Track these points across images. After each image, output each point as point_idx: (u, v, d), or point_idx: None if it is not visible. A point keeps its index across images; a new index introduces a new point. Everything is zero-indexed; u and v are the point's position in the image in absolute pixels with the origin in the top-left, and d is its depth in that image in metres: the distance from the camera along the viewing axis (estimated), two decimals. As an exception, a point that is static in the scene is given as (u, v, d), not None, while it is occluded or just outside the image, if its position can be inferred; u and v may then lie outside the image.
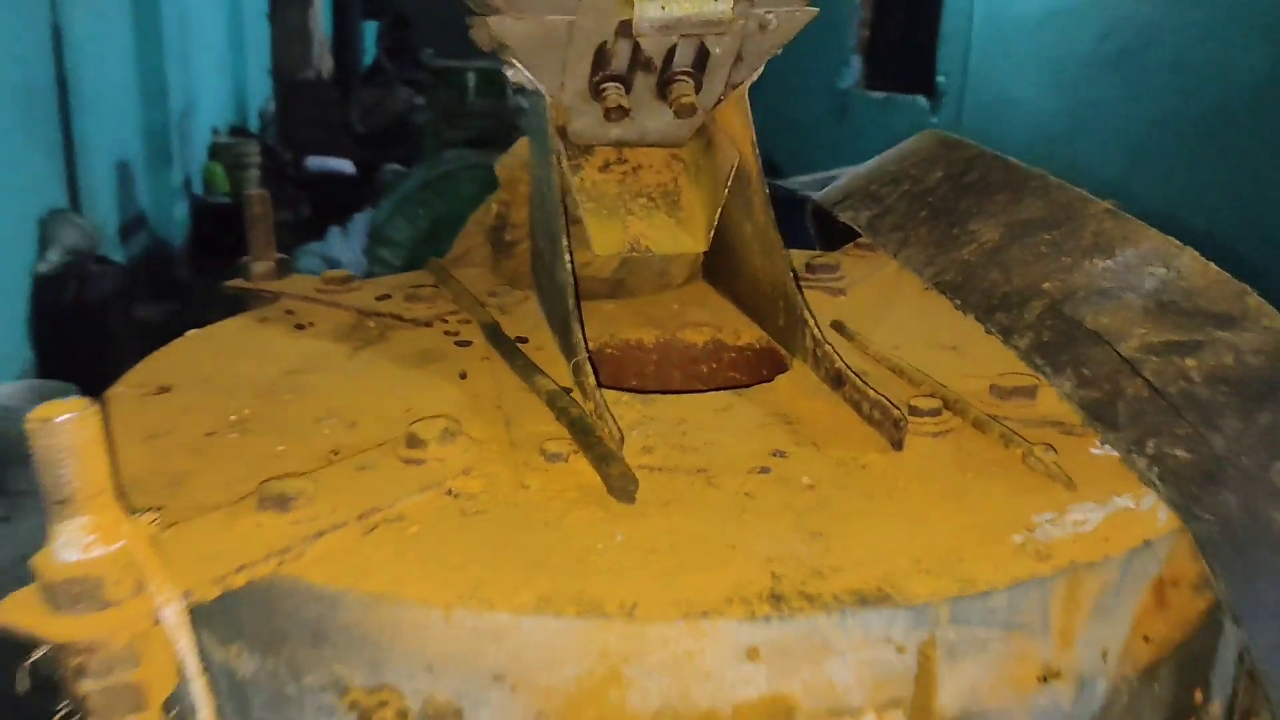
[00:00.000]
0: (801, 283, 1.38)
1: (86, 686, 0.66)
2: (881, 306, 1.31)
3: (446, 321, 1.28)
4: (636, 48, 1.10)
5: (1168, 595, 0.79)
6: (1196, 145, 5.33)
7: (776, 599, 0.70)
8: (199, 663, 0.68)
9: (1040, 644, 0.75)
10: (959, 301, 1.04)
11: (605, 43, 1.09)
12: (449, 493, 0.84)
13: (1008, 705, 0.75)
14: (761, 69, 1.20)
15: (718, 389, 1.08)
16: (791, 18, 1.12)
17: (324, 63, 10.36)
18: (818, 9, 1.13)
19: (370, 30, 9.85)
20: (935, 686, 0.72)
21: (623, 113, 1.12)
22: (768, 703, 0.70)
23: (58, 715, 0.69)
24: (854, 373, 0.99)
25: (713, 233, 1.19)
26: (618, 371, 1.24)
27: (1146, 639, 0.79)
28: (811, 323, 1.07)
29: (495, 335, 1.20)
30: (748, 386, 1.08)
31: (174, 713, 0.71)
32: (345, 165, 8.54)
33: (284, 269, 1.45)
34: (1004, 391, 0.98)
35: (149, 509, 0.74)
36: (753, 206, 1.18)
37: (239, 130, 12.08)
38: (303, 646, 0.75)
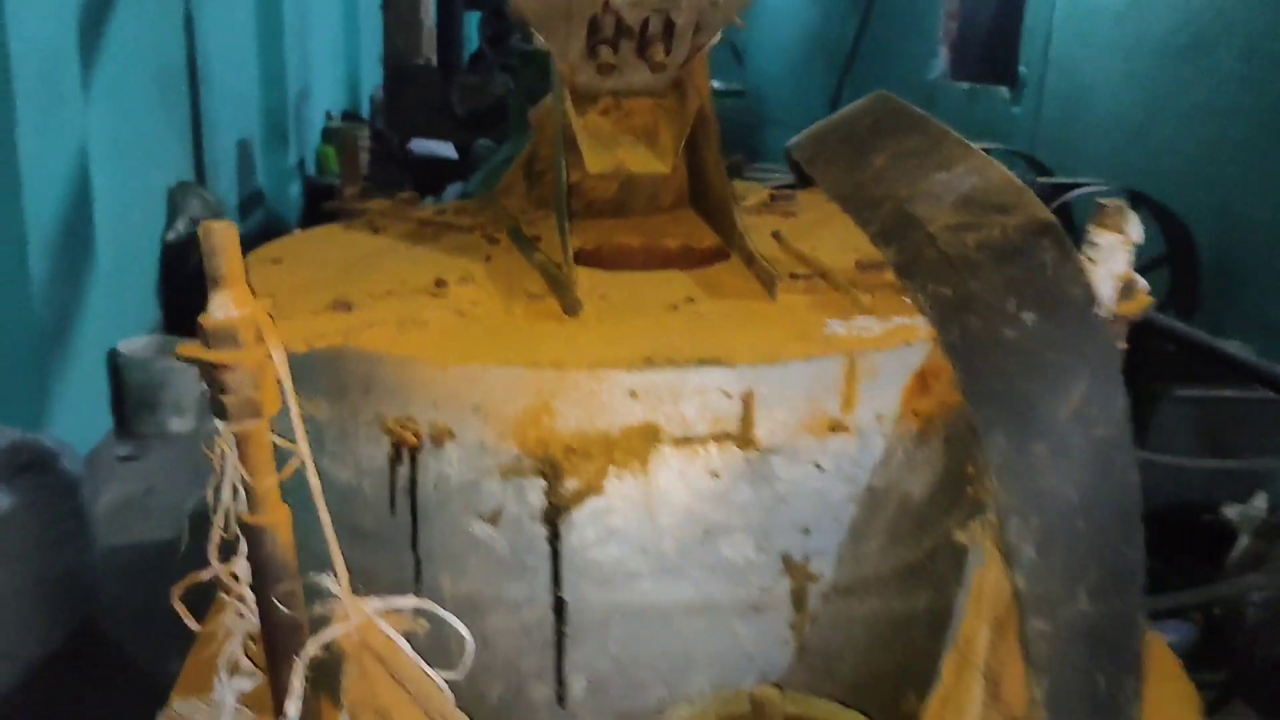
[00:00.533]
0: (766, 208, 1.79)
1: (226, 398, 1.10)
2: (817, 225, 1.70)
3: (485, 229, 1.71)
4: (620, 20, 1.51)
5: (930, 383, 1.17)
6: (1264, 135, 5.44)
7: (649, 360, 1.10)
8: (293, 393, 1.11)
9: (829, 404, 1.14)
10: (845, 208, 1.43)
11: (595, 16, 1.50)
12: (459, 313, 1.27)
13: (808, 445, 1.15)
14: (719, 35, 1.60)
15: (674, 272, 1.49)
16: (734, -2, 1.52)
17: (431, 51, 10.95)
18: (753, -8, 1.53)
19: (473, 20, 10.38)
20: (753, 425, 1.12)
21: (610, 68, 1.53)
22: (643, 428, 1.11)
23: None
24: (759, 255, 1.39)
25: (675, 158, 1.60)
26: (610, 264, 1.65)
27: (915, 413, 1.18)
28: (740, 223, 1.47)
29: (517, 235, 1.62)
30: (696, 271, 1.49)
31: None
32: (447, 149, 9.08)
33: (367, 194, 1.90)
34: (865, 266, 1.37)
35: (266, 298, 1.18)
36: (710, 142, 1.59)
37: (351, 115, 12.75)
38: (357, 394, 1.18)
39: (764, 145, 13.00)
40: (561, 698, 1.22)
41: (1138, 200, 5.51)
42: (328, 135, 11.55)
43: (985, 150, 5.20)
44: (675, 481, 1.13)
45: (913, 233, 1.27)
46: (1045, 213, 1.23)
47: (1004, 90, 8.23)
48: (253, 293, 1.11)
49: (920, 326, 1.19)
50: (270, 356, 1.10)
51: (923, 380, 1.18)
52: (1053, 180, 6.06)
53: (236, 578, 1.24)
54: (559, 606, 1.18)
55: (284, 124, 9.67)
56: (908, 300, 1.23)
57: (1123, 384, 1.14)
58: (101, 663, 3.59)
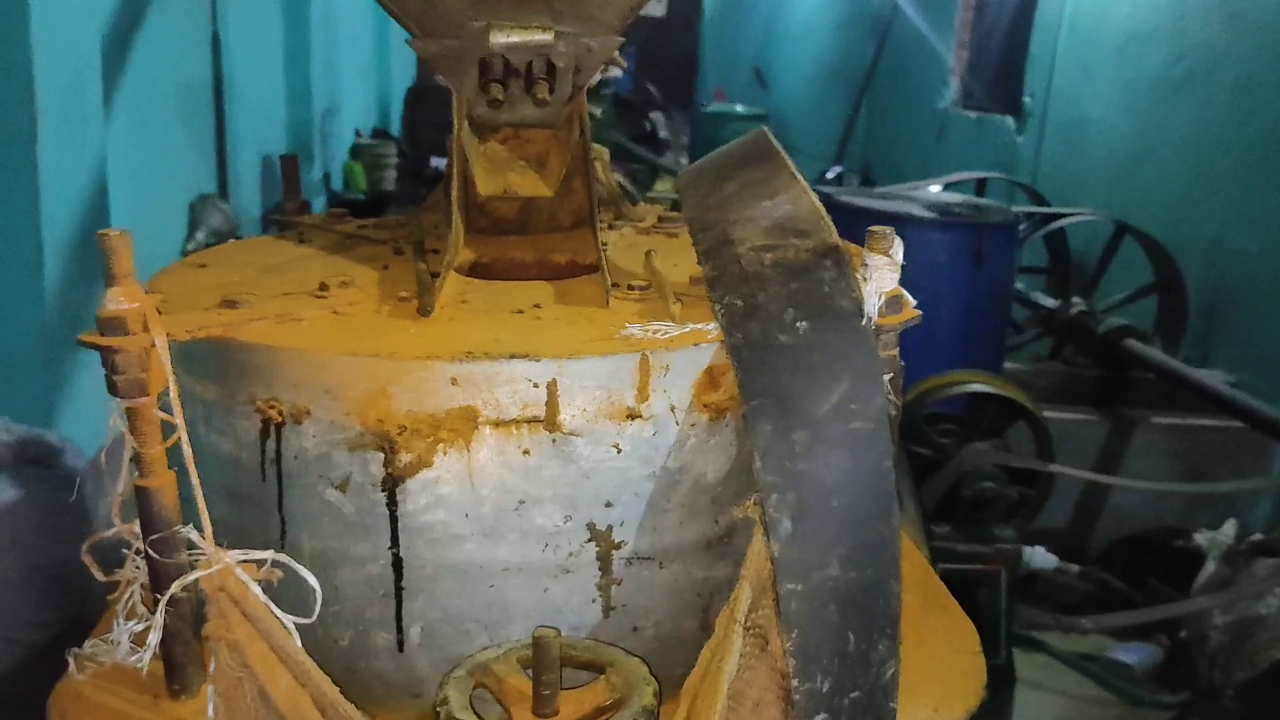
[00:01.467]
0: (655, 229, 1.99)
1: (116, 378, 1.31)
2: (689, 246, 1.89)
3: (396, 242, 1.92)
4: (507, 62, 1.72)
5: (719, 379, 1.37)
6: (1254, 168, 5.54)
7: (469, 353, 1.31)
8: (174, 375, 1.32)
9: (625, 395, 1.34)
10: (689, 229, 1.63)
11: (486, 58, 1.71)
12: (334, 312, 1.48)
13: (607, 429, 1.34)
14: (597, 73, 1.80)
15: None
16: (608, 43, 1.73)
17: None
18: (624, 38, 1.74)
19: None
20: (558, 411, 1.32)
21: (499, 103, 1.74)
22: (463, 410, 1.32)
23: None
24: (605, 268, 1.59)
25: (560, 183, 1.80)
26: (502, 275, 1.86)
27: (706, 405, 1.37)
28: (597, 242, 1.68)
29: (418, 248, 1.83)
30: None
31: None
32: (466, 166, 9.35)
33: (304, 209, 2.12)
34: (695, 280, 1.56)
35: (157, 294, 1.39)
36: (587, 169, 1.80)
37: (380, 132, 13.07)
38: (235, 378, 1.39)
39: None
40: (401, 644, 1.42)
41: (1126, 230, 5.66)
42: (356, 152, 11.86)
43: (985, 179, 5.41)
44: (493, 457, 1.34)
45: (726, 251, 1.47)
46: (834, 238, 1.42)
47: (1010, 120, 8.37)
48: (145, 290, 1.33)
49: (712, 331, 1.38)
50: (154, 343, 1.32)
51: (712, 377, 1.37)
52: (1046, 210, 6.21)
53: (137, 535, 1.45)
54: (397, 564, 1.38)
55: (309, 140, 9.96)
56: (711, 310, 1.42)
57: (883, 385, 1.33)
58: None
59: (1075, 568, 4.60)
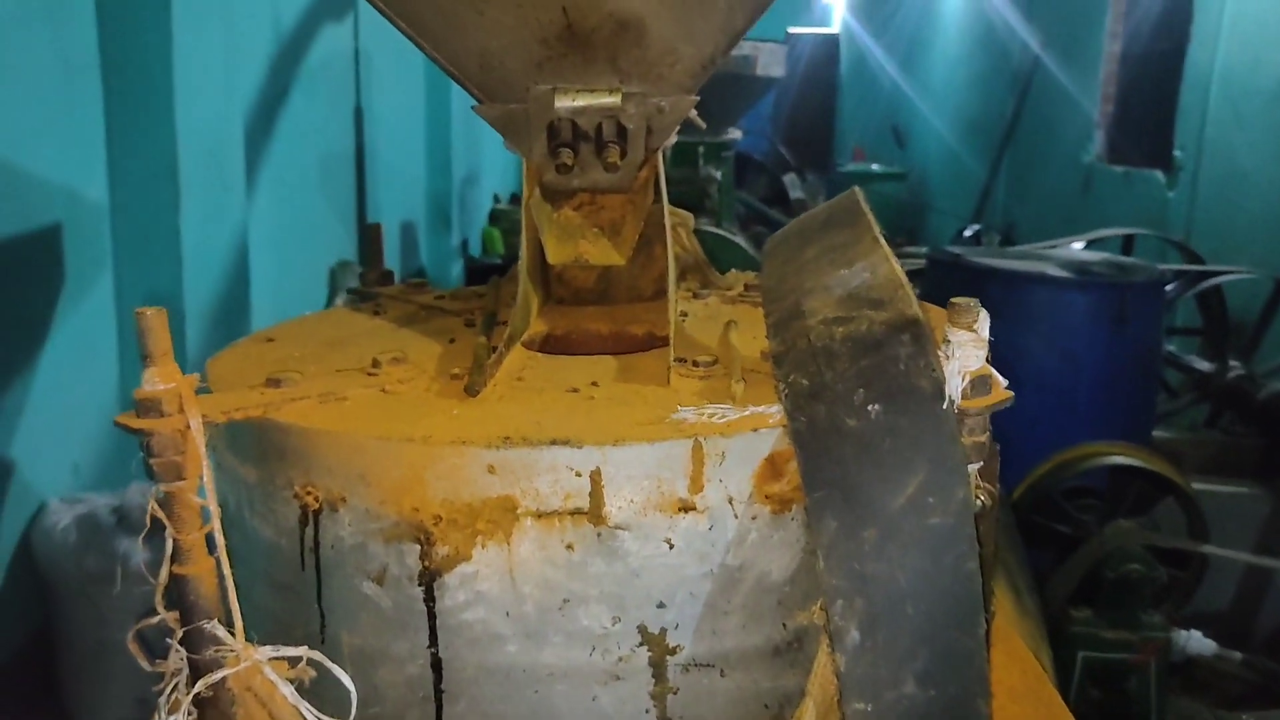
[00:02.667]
0: (741, 298, 1.88)
1: (153, 460, 1.26)
2: (777, 313, 1.77)
3: (470, 313, 1.86)
4: (575, 125, 1.64)
5: (782, 468, 1.24)
6: None
7: (506, 438, 1.21)
8: (209, 458, 1.27)
9: (677, 485, 1.22)
10: (762, 299, 1.51)
11: (553, 122, 1.64)
12: (382, 390, 1.41)
13: (658, 522, 1.22)
14: (673, 135, 1.71)
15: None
16: (680, 103, 1.63)
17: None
18: (699, 97, 1.64)
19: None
20: (604, 502, 1.21)
21: (568, 169, 1.66)
22: (501, 500, 1.22)
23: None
24: (671, 342, 1.48)
25: (632, 250, 1.71)
26: (576, 348, 1.77)
27: (767, 496, 1.24)
28: (672, 315, 1.57)
29: (488, 319, 1.76)
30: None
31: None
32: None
33: (387, 279, 2.08)
34: (767, 355, 1.44)
35: (195, 374, 1.35)
36: (661, 235, 1.70)
37: (518, 197, 13.33)
38: (275, 461, 1.33)
39: (924, 226, 12.93)
40: (442, 750, 1.32)
41: (1285, 287, 5.28)
42: (494, 217, 12.12)
43: (1133, 236, 5.16)
44: (534, 551, 1.23)
45: (796, 324, 1.35)
46: (913, 309, 1.28)
47: (1159, 174, 8.01)
48: (205, 376, 1.29)
49: (775, 415, 1.25)
50: (189, 424, 1.26)
51: (774, 465, 1.24)
52: (1197, 268, 5.86)
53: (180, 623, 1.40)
54: (436, 664, 1.29)
55: (448, 207, 10.20)
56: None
57: (964, 475, 1.18)
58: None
59: (1237, 655, 4.22)
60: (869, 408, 1.20)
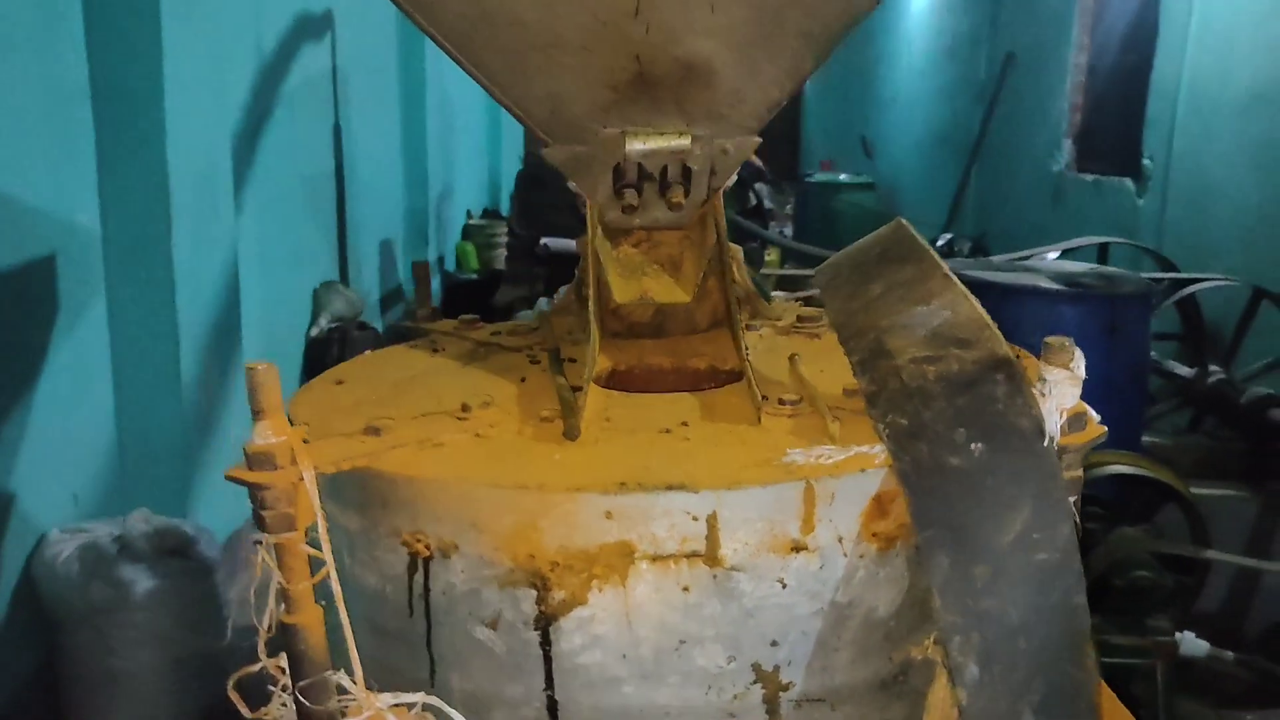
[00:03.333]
0: (795, 329, 1.91)
1: (265, 513, 1.28)
2: (835, 348, 1.81)
3: (531, 350, 1.88)
4: (641, 166, 1.68)
5: (887, 506, 1.27)
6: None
7: (623, 484, 1.24)
8: (322, 509, 1.29)
9: (789, 526, 1.25)
10: (838, 335, 1.55)
11: (619, 164, 1.67)
12: (476, 435, 1.43)
13: (771, 563, 1.26)
14: (735, 176, 1.75)
15: (692, 394, 1.63)
16: (744, 144, 1.67)
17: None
18: (761, 139, 1.68)
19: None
20: (719, 545, 1.24)
21: (633, 209, 1.70)
22: (618, 546, 1.25)
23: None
24: (752, 380, 1.52)
25: (697, 287, 1.74)
26: (641, 384, 1.80)
27: (874, 534, 1.28)
28: (745, 349, 1.61)
29: (554, 357, 1.79)
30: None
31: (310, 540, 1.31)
32: (574, 245, 9.45)
33: (435, 315, 2.10)
34: (850, 392, 1.48)
35: (303, 424, 1.36)
36: (726, 271, 1.73)
37: (491, 212, 13.34)
38: (379, 509, 1.35)
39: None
40: (556, 790, 1.34)
41: (1264, 295, 5.40)
42: (468, 232, 12.11)
43: (1108, 244, 5.21)
44: (651, 595, 1.26)
45: (883, 363, 1.39)
46: (1003, 348, 1.33)
47: (1129, 183, 8.14)
48: (291, 421, 1.30)
49: (878, 454, 1.29)
50: (302, 477, 1.28)
51: (881, 504, 1.28)
52: (1177, 275, 5.97)
53: (283, 670, 1.41)
54: (552, 706, 1.31)
55: (425, 224, 10.19)
56: (874, 428, 1.34)
57: (1069, 512, 1.22)
58: (233, 742, 3.82)
59: (1231, 655, 4.31)
60: (971, 446, 1.24)
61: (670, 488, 1.24)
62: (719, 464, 1.30)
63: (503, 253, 11.82)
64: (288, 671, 1.41)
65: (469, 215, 12.57)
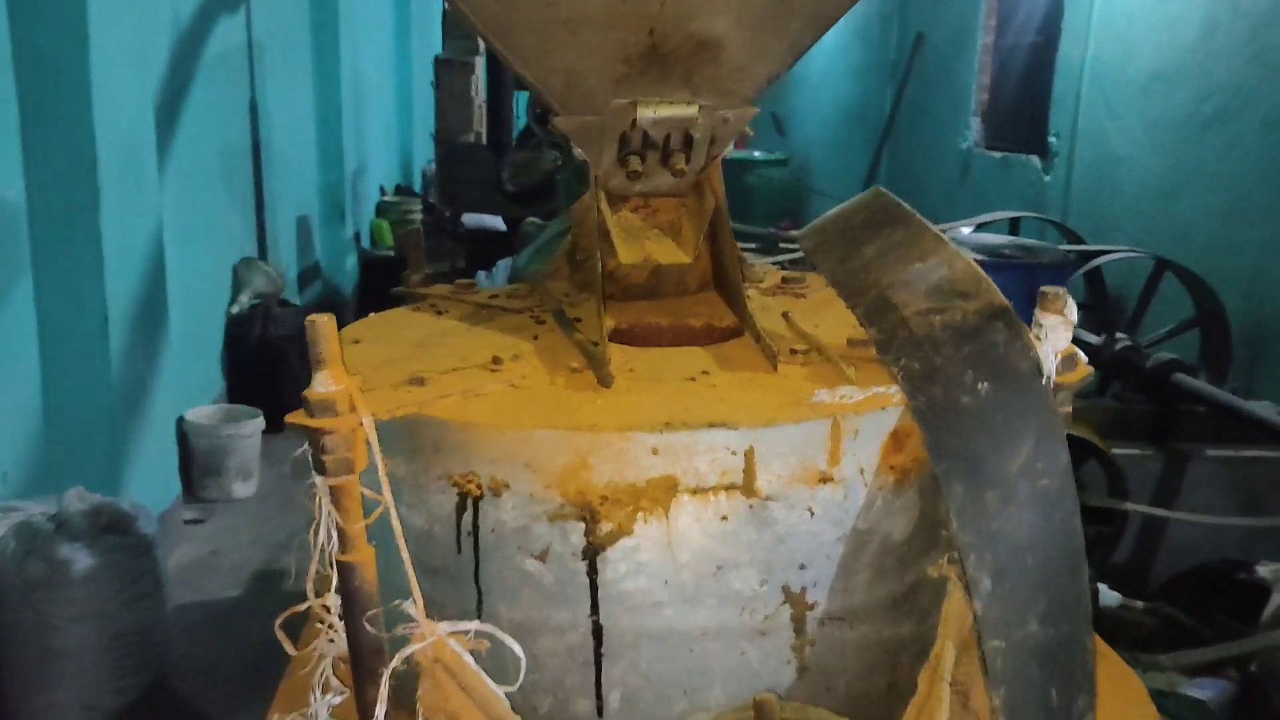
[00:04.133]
0: (779, 289, 2.04)
1: (325, 457, 1.36)
2: (821, 306, 1.95)
3: (533, 311, 1.97)
4: (646, 134, 1.78)
5: (903, 441, 1.41)
6: (1287, 200, 5.60)
7: (668, 423, 1.35)
8: (382, 450, 1.37)
9: (818, 459, 1.38)
10: (839, 292, 1.67)
11: (625, 132, 1.77)
12: (512, 385, 1.53)
13: (801, 493, 1.38)
14: (731, 146, 1.86)
15: (695, 348, 1.74)
16: (743, 114, 1.79)
17: (481, 127, 11.37)
18: (758, 109, 1.79)
19: (522, 99, 10.82)
20: (755, 477, 1.36)
21: (637, 175, 1.80)
22: (663, 480, 1.36)
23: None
24: (764, 333, 1.64)
25: (696, 249, 1.86)
26: (642, 341, 1.91)
27: (891, 467, 1.42)
28: (749, 306, 1.73)
29: (560, 317, 1.88)
30: (714, 347, 1.74)
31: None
32: (496, 222, 9.46)
33: (430, 280, 2.18)
34: (854, 342, 1.61)
35: (359, 375, 1.44)
36: (725, 235, 1.85)
37: (404, 189, 13.23)
38: (429, 454, 1.44)
39: (806, 209, 13.34)
40: (600, 710, 1.45)
41: (1165, 266, 5.71)
42: (382, 209, 12.00)
43: (1018, 218, 5.45)
44: (691, 524, 1.38)
45: (891, 315, 1.52)
46: (1000, 299, 1.47)
47: (1035, 159, 8.44)
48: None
49: (895, 394, 1.43)
50: (360, 423, 1.36)
51: (897, 439, 1.41)
52: (1087, 248, 6.26)
53: (328, 609, 1.49)
54: (597, 631, 1.42)
55: (341, 200, 10.09)
56: (886, 372, 1.47)
57: (1065, 443, 1.37)
58: (174, 715, 3.84)
59: (1139, 603, 4.59)
60: (979, 386, 1.38)
61: (712, 425, 1.35)
62: (752, 405, 1.42)
63: (417, 229, 11.75)
64: (333, 610, 1.49)
65: (383, 192, 12.46)
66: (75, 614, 3.79)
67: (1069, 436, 4.03)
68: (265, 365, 6.81)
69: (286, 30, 8.34)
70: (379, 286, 10.38)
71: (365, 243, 11.39)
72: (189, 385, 6.02)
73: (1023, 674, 1.30)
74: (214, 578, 5.05)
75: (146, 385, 5.05)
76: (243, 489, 5.91)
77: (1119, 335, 5.66)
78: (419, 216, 11.77)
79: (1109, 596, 4.39)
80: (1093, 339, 5.75)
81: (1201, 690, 4.41)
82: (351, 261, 10.45)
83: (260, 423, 6.06)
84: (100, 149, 4.56)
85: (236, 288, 7.12)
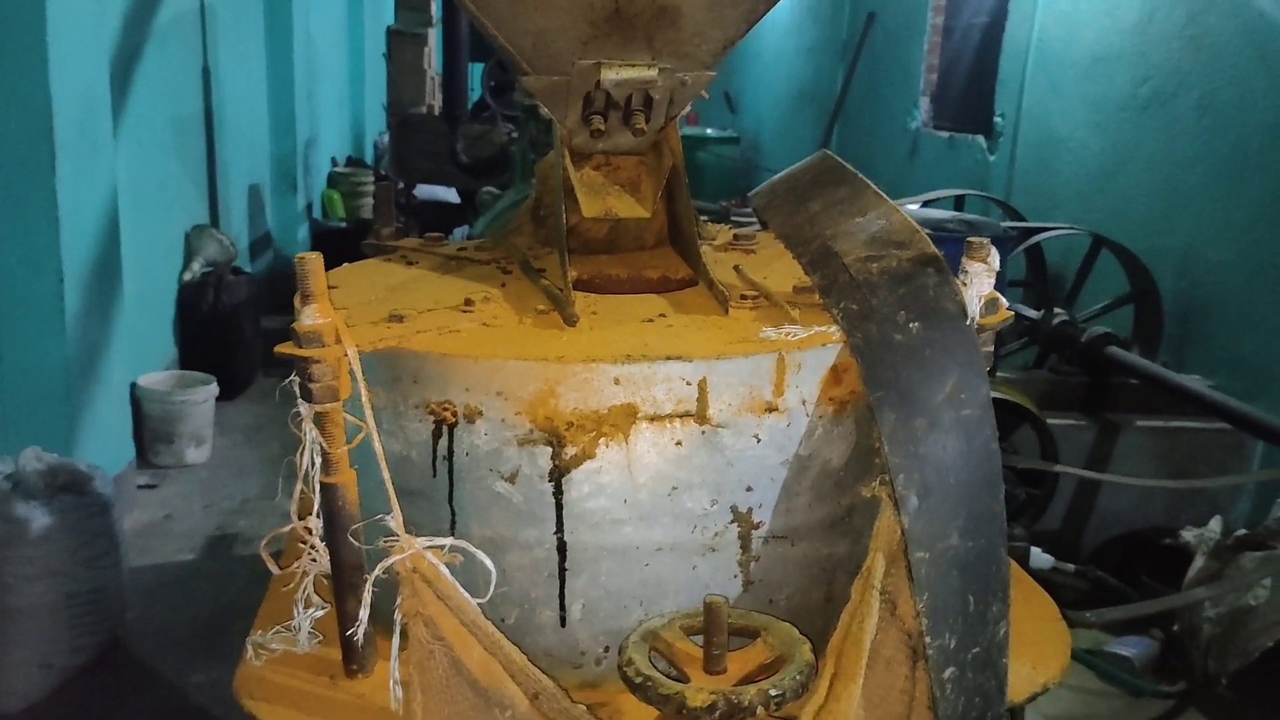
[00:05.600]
0: (731, 246, 2.17)
1: (312, 385, 1.47)
2: (770, 260, 2.08)
3: (499, 262, 2.09)
4: (609, 95, 1.90)
5: (842, 375, 1.55)
6: (1220, 183, 5.80)
7: (629, 355, 1.48)
8: (364, 379, 1.48)
9: (764, 390, 1.52)
10: (785, 244, 1.81)
11: (589, 92, 1.89)
12: (484, 324, 1.65)
13: (749, 421, 1.52)
14: (688, 106, 1.99)
15: (652, 296, 1.87)
16: (700, 78, 1.91)
17: (434, 99, 11.38)
18: (715, 73, 1.92)
19: (477, 71, 10.84)
20: (708, 405, 1.50)
21: (600, 133, 1.92)
22: (624, 408, 1.49)
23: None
24: (717, 281, 1.77)
25: (655, 205, 1.98)
26: (602, 290, 2.03)
27: (831, 399, 1.56)
28: (703, 257, 1.86)
29: (526, 266, 2.00)
30: (670, 295, 1.87)
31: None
32: (450, 194, 9.51)
33: (399, 234, 2.29)
34: (799, 289, 1.75)
35: (343, 310, 1.55)
36: (682, 191, 1.98)
37: (355, 160, 13.18)
38: (408, 384, 1.56)
39: (757, 186, 13.52)
40: (563, 619, 1.59)
41: (1102, 243, 5.92)
42: (333, 180, 11.96)
43: (964, 195, 5.61)
44: (649, 449, 1.51)
45: (832, 262, 1.66)
46: (931, 248, 1.61)
47: (981, 139, 8.63)
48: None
49: (835, 333, 1.57)
50: (345, 354, 1.48)
51: (836, 373, 1.56)
52: (1026, 225, 6.46)
53: (309, 530, 1.61)
54: (561, 547, 1.55)
55: (293, 170, 10.06)
56: (827, 314, 1.61)
57: (986, 377, 1.52)
58: (129, 674, 3.91)
59: (1071, 567, 4.80)
60: (910, 325, 1.52)
61: (669, 358, 1.49)
62: (705, 342, 1.55)
63: (369, 201, 11.74)
64: (314, 532, 1.60)
65: (334, 163, 12.42)
66: (31, 572, 3.84)
67: (1006, 402, 4.21)
68: (217, 333, 6.82)
69: (238, -5, 8.31)
70: (331, 257, 10.39)
71: (317, 213, 11.37)
72: (142, 351, 6.03)
73: (944, 582, 1.45)
74: (167, 542, 5.09)
75: (101, 350, 5.07)
76: (195, 455, 5.94)
77: (1056, 310, 5.86)
78: (371, 188, 11.76)
79: (1042, 560, 4.60)
80: (1031, 313, 5.95)
81: (1127, 647, 4.64)
82: (303, 232, 10.43)
83: (213, 389, 6.09)
84: (56, 112, 4.56)
85: (189, 255, 7.11)
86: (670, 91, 1.91)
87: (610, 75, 1.83)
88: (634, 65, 1.85)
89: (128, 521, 4.91)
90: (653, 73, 1.85)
